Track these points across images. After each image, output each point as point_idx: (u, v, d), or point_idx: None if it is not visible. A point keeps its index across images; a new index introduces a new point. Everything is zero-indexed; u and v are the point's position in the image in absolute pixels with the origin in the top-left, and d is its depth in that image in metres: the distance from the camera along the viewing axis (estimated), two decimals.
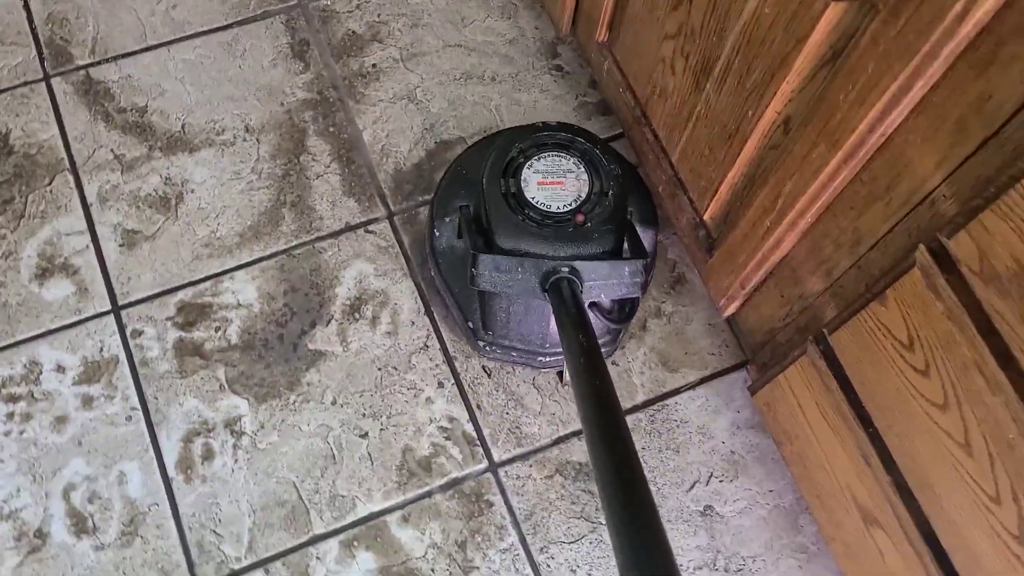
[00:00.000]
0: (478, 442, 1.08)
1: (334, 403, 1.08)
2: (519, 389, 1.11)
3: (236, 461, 1.05)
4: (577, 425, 1.10)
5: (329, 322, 1.12)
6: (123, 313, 1.10)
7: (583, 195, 0.94)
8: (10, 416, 1.05)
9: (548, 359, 1.05)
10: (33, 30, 1.23)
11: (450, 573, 1.02)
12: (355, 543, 1.03)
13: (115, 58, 1.23)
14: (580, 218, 0.92)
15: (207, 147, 1.19)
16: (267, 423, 1.07)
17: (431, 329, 1.13)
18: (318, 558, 1.02)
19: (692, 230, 0.99)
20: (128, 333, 1.09)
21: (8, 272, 1.11)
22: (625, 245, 0.95)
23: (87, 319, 1.10)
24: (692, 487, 1.08)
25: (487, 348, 1.06)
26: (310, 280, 1.14)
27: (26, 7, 1.25)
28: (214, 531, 1.02)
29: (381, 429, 1.08)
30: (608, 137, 1.24)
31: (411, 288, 1.14)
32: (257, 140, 1.20)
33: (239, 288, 1.13)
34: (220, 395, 1.07)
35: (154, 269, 1.13)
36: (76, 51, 1.23)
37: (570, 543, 1.05)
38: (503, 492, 1.06)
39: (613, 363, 1.13)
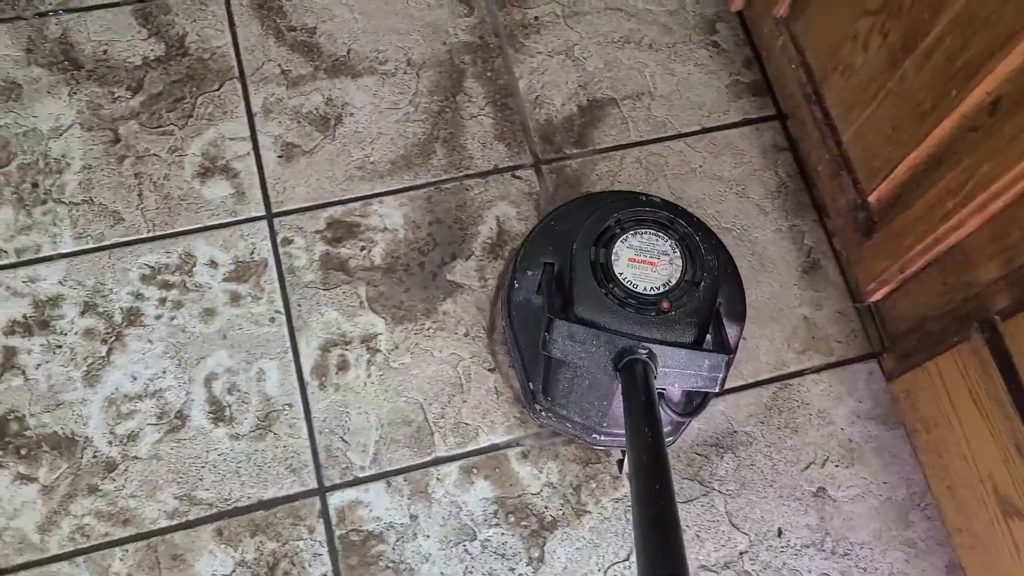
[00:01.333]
0: None
1: (466, 335, 1.11)
2: None
3: (369, 376, 1.08)
4: None
5: (469, 257, 1.14)
6: (276, 221, 1.14)
7: (673, 281, 0.90)
8: (162, 301, 1.09)
9: (603, 438, 1.03)
10: None
11: (563, 513, 1.05)
12: (474, 470, 1.05)
13: None
14: (666, 305, 0.88)
15: (369, 74, 1.23)
16: (401, 344, 1.10)
17: None
18: (438, 479, 1.05)
19: (850, 211, 1.00)
20: (279, 240, 1.13)
21: (172, 167, 1.15)
22: (709, 337, 0.90)
23: (242, 221, 1.14)
24: (807, 467, 1.09)
25: (543, 414, 1.04)
26: (455, 214, 1.17)
27: None
28: (342, 438, 1.05)
29: (510, 365, 1.10)
30: (755, 119, 1.25)
31: None
32: (417, 74, 1.24)
33: (387, 212, 1.16)
34: (359, 311, 1.11)
35: (308, 183, 1.16)
36: None
37: (682, 503, 1.06)
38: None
39: (744, 338, 1.14)
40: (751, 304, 1.15)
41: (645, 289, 0.89)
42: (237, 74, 1.21)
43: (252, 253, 1.12)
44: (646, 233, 0.92)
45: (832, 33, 0.98)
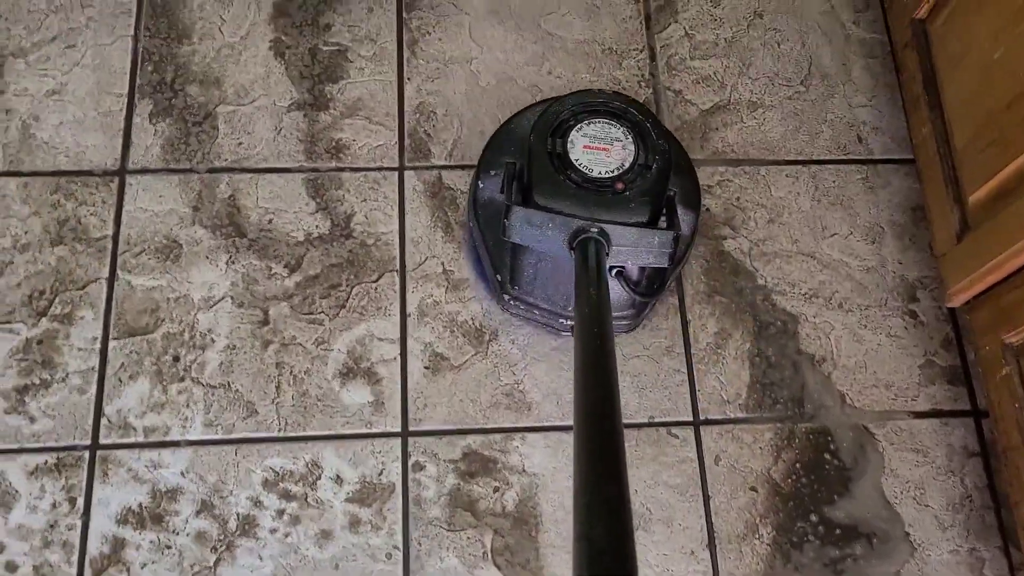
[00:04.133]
0: None
1: None
2: None
3: None
4: None
5: None
6: (410, 441, 1.07)
7: (627, 164, 0.95)
8: (280, 513, 1.03)
9: (569, 322, 1.07)
10: (400, 115, 1.22)
11: None
12: None
13: (468, 167, 1.20)
14: (620, 186, 0.93)
15: None
16: None
17: (710, 570, 1.04)
18: None
19: None
20: (410, 464, 1.06)
21: (316, 361, 1.10)
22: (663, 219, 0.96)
23: (376, 435, 1.07)
24: None
25: (512, 302, 1.08)
26: None
27: (399, 89, 1.24)
28: None
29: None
30: (947, 411, 1.12)
31: (699, 514, 1.06)
32: None
33: (528, 452, 1.07)
34: (481, 563, 1.02)
35: (451, 404, 1.09)
36: (435, 149, 1.21)
37: None
38: None
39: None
40: None
41: (600, 173, 0.95)
42: (398, 267, 1.15)
43: (380, 474, 1.05)
44: (599, 122, 0.98)
45: None
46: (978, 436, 1.11)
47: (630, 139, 0.97)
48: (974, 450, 1.11)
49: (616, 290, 1.02)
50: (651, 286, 1.04)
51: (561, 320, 1.08)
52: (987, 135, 0.95)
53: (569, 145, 0.96)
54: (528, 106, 1.16)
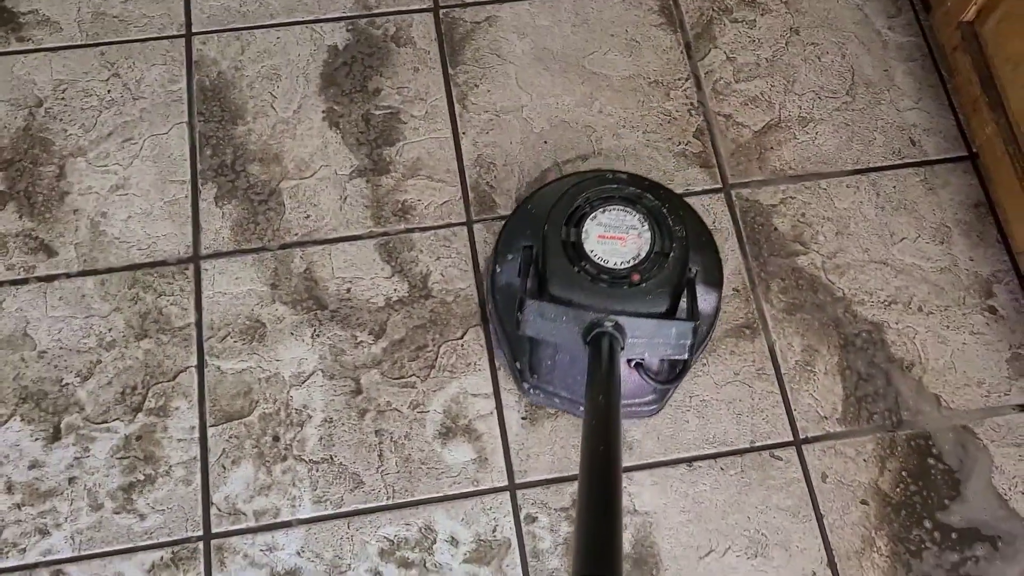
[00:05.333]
0: None
1: None
2: None
3: None
4: None
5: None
6: (519, 493, 1.07)
7: (643, 253, 0.94)
8: None
9: None
10: (461, 170, 1.24)
11: None
12: None
13: None
14: (636, 277, 0.92)
15: None
16: None
17: None
18: None
19: None
20: (522, 516, 1.06)
21: (414, 424, 1.10)
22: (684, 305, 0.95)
23: (484, 491, 1.07)
24: None
25: (531, 391, 1.08)
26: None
27: (456, 144, 1.25)
28: None
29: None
30: None
31: (815, 533, 1.06)
32: None
33: (637, 491, 1.07)
34: None
35: (553, 451, 1.09)
36: (499, 199, 1.22)
37: None
38: None
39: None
40: None
41: (616, 264, 0.93)
42: (479, 320, 1.15)
43: (494, 531, 1.05)
44: (614, 209, 0.97)
45: None
46: None
47: (646, 226, 0.96)
48: None
49: (637, 378, 1.02)
50: (672, 371, 1.02)
51: (581, 408, 1.06)
52: None
53: (584, 235, 0.95)
54: (547, 183, 1.16)
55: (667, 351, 0.91)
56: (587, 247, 0.94)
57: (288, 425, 1.09)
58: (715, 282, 1.08)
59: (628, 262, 0.93)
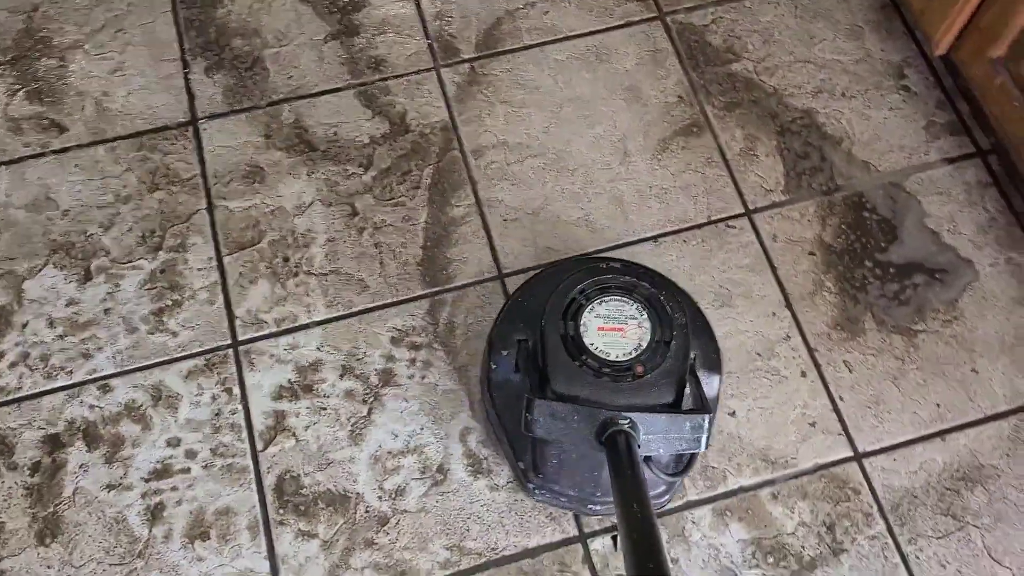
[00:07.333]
0: (842, 431, 1.12)
1: None
2: (880, 386, 1.14)
3: None
4: (940, 425, 1.12)
5: None
6: (506, 280, 1.20)
7: (644, 344, 0.91)
8: (412, 362, 1.15)
9: (599, 507, 1.03)
10: (424, 25, 1.37)
11: (820, 552, 1.06)
12: (727, 513, 1.08)
13: (495, 54, 1.35)
14: (640, 369, 0.89)
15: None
16: None
17: (792, 322, 1.18)
18: (693, 522, 1.07)
19: None
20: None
21: (408, 234, 1.23)
22: (688, 391, 0.91)
23: (481, 281, 1.20)
24: None
25: (537, 491, 1.04)
26: None
27: (417, 4, 1.39)
28: None
29: (748, 410, 1.13)
30: (956, 157, 1.28)
31: (772, 282, 1.20)
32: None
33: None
34: None
35: (534, 242, 1.22)
36: (462, 46, 1.36)
37: (938, 538, 1.07)
38: (868, 481, 1.09)
39: (973, 370, 1.15)
40: (981, 336, 1.16)
41: (617, 356, 0.90)
42: (457, 146, 1.28)
43: (485, 309, 1.18)
44: (611, 300, 0.93)
45: None
46: (987, 170, 1.27)
47: (644, 315, 0.92)
48: (987, 182, 1.27)
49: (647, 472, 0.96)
50: (679, 462, 0.98)
51: (591, 507, 1.04)
52: None
53: (583, 328, 0.92)
54: (533, 276, 1.12)
55: (681, 445, 0.86)
56: (587, 340, 0.91)
57: (295, 247, 1.22)
58: (714, 365, 1.04)
59: (630, 354, 0.90)
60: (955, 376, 1.15)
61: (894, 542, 1.07)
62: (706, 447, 0.87)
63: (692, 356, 0.93)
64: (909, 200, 1.26)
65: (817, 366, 1.16)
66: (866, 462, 1.11)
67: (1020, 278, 1.20)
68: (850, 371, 1.16)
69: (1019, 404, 1.14)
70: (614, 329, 0.91)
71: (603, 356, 0.90)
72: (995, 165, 1.27)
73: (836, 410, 1.14)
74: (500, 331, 1.05)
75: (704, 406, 0.91)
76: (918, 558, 1.06)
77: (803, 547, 1.06)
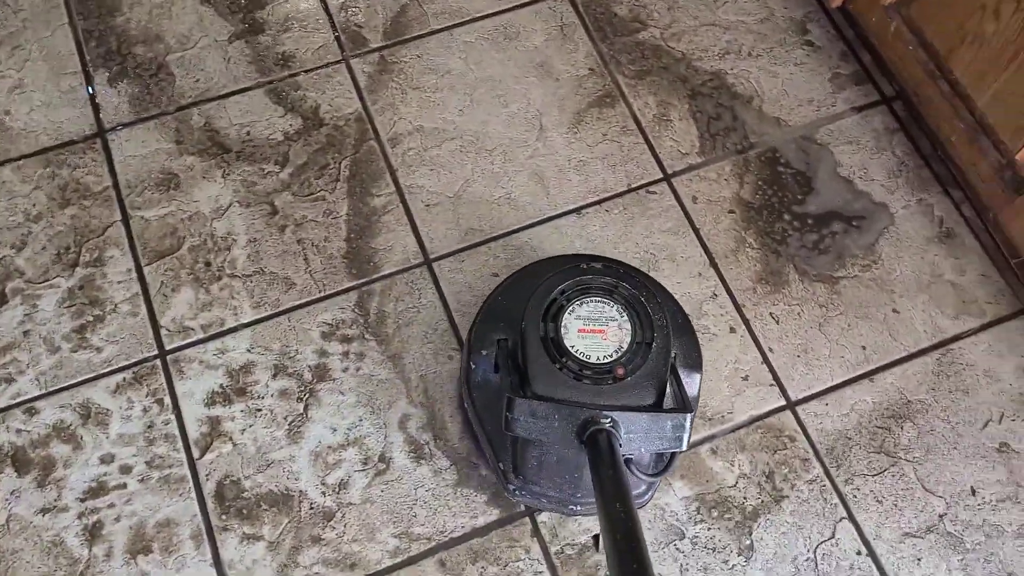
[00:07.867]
0: (774, 382, 1.14)
1: None
2: (807, 335, 1.17)
3: None
4: (867, 367, 1.15)
5: None
6: (435, 265, 1.20)
7: (625, 346, 0.90)
8: (345, 355, 1.14)
9: (579, 507, 1.03)
10: (330, 17, 1.36)
11: (761, 501, 1.08)
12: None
13: (404, 41, 1.34)
14: (620, 371, 0.88)
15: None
16: None
17: (718, 280, 1.20)
18: None
19: (995, 173, 1.05)
20: (443, 286, 1.19)
21: (330, 228, 1.22)
22: (669, 391, 0.90)
23: (408, 268, 1.20)
24: (986, 425, 1.12)
25: (517, 492, 1.03)
26: None
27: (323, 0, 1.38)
28: None
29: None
30: (862, 106, 1.31)
31: (695, 243, 1.22)
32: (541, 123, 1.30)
33: (534, 239, 1.21)
34: None
35: (457, 224, 1.22)
36: (369, 35, 1.35)
37: (873, 476, 1.10)
38: (803, 427, 1.12)
39: (894, 311, 1.18)
40: (899, 277, 1.20)
41: (598, 358, 0.89)
42: (373, 135, 1.28)
43: (420, 297, 1.18)
44: (592, 301, 0.92)
45: (954, 8, 1.04)
46: (894, 116, 1.31)
47: (625, 317, 0.91)
48: (894, 128, 1.30)
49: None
50: (660, 462, 0.96)
51: (571, 507, 1.03)
52: None
53: (563, 330, 0.90)
54: (512, 274, 1.10)
55: (663, 444, 0.86)
56: (568, 342, 0.90)
57: (216, 251, 1.20)
58: (694, 364, 1.04)
59: (611, 356, 0.89)
60: (878, 318, 1.18)
61: (831, 484, 1.09)
62: (687, 447, 0.86)
63: (673, 355, 0.92)
64: (821, 151, 1.28)
65: (745, 321, 1.18)
66: (799, 409, 1.13)
67: (931, 217, 1.24)
68: (777, 323, 1.18)
69: (940, 339, 1.17)
70: (595, 331, 0.90)
71: (584, 359, 0.89)
72: (900, 111, 1.31)
73: (767, 362, 1.16)
74: (479, 331, 1.04)
75: (685, 405, 0.90)
76: (855, 496, 1.09)
77: (745, 498, 1.08)
